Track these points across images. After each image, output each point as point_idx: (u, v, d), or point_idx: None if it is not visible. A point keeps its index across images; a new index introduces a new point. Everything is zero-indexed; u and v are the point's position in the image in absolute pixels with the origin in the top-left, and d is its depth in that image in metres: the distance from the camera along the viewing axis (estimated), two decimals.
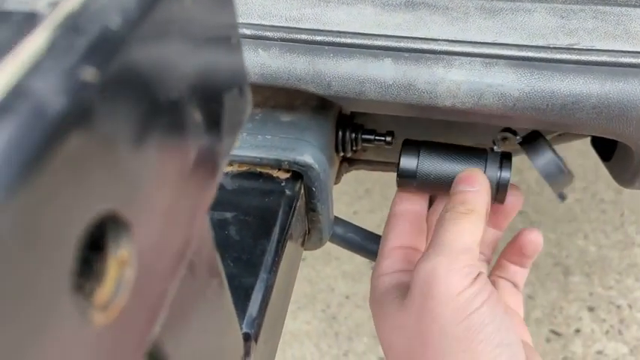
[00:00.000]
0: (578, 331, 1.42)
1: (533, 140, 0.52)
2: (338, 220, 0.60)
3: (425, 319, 0.41)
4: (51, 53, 0.15)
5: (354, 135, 0.59)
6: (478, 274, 0.42)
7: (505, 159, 0.52)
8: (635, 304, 1.44)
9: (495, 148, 0.54)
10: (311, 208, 0.52)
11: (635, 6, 0.48)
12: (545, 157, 0.50)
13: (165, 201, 0.20)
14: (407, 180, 0.53)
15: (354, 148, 0.59)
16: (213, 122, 0.24)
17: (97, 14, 0.16)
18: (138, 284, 0.19)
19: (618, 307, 1.44)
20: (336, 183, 0.66)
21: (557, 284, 1.50)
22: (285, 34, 0.47)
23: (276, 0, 0.51)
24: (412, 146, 0.53)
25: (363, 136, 0.59)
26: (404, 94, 0.46)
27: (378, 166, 0.69)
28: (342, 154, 0.60)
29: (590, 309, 1.44)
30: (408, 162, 0.52)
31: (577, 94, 0.43)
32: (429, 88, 0.45)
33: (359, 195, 1.73)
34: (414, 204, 0.54)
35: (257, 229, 0.46)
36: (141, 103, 0.18)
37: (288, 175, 0.50)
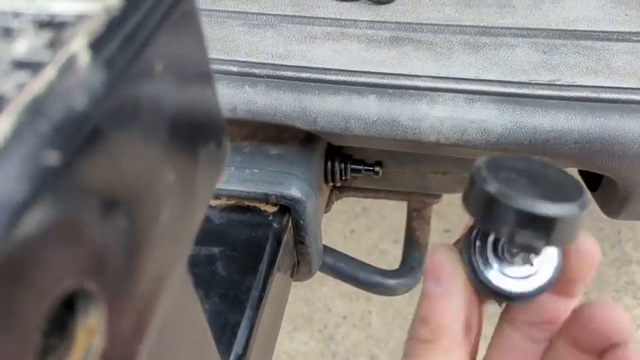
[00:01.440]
0: None
1: None
2: (327, 250, 0.61)
3: None
4: (15, 139, 0.15)
5: (342, 165, 0.59)
6: None
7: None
8: (634, 322, 1.44)
9: None
10: (299, 241, 0.53)
11: (617, 40, 0.49)
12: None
13: (137, 266, 0.20)
14: None
15: (343, 178, 0.60)
16: (188, 179, 0.25)
17: (62, 95, 0.16)
18: (107, 352, 0.19)
19: None
20: (326, 211, 0.66)
21: None
22: (271, 71, 0.48)
23: (262, 37, 0.51)
24: None
25: (352, 166, 0.59)
26: (388, 130, 0.46)
27: (368, 193, 0.69)
28: (331, 183, 0.60)
29: None
30: None
31: (559, 130, 0.44)
32: (412, 124, 0.45)
33: (356, 213, 1.73)
34: None
35: (244, 264, 0.47)
36: (110, 176, 0.18)
37: (275, 209, 0.51)
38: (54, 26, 0.19)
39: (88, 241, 0.18)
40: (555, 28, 0.51)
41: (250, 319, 0.43)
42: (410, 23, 0.52)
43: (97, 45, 0.18)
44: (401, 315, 1.51)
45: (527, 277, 0.29)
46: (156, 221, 0.22)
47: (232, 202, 0.51)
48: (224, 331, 0.43)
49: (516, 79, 0.46)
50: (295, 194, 0.50)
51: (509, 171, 0.28)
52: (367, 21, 0.53)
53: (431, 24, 0.52)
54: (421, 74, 0.46)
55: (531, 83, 0.45)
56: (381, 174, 0.58)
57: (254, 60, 0.49)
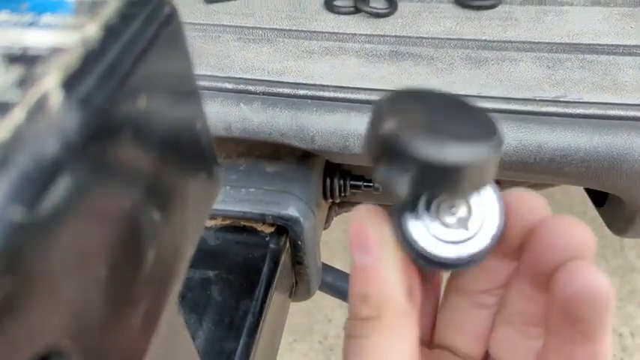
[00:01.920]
0: None
1: None
2: (327, 268, 0.59)
3: None
4: None
5: (342, 181, 0.58)
6: None
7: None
8: (637, 331, 1.42)
9: None
10: (297, 261, 0.51)
11: (622, 54, 0.47)
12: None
13: (117, 321, 0.19)
14: None
15: (342, 194, 0.58)
16: (177, 215, 0.23)
17: (30, 141, 0.15)
18: None
19: (620, 334, 1.42)
20: (325, 228, 0.65)
21: None
22: (267, 88, 0.46)
23: (258, 52, 0.50)
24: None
25: (351, 182, 0.58)
26: None
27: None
28: (330, 200, 0.59)
29: None
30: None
31: (565, 148, 0.42)
32: None
33: None
34: None
35: (240, 287, 0.45)
36: (85, 226, 0.17)
37: (272, 229, 0.49)
38: (25, 61, 0.17)
39: (61, 301, 0.16)
40: (559, 41, 0.49)
41: (247, 345, 0.42)
42: (410, 37, 0.51)
43: (71, 82, 0.17)
44: None
45: (462, 241, 0.25)
46: (140, 266, 0.21)
47: (228, 222, 0.50)
48: (219, 358, 0.41)
49: (520, 96, 0.44)
50: (293, 214, 0.48)
51: (417, 108, 0.24)
52: (366, 35, 0.51)
53: (431, 38, 0.50)
54: None
55: (536, 100, 0.44)
56: (380, 190, 0.56)
57: (249, 76, 0.47)
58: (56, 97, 0.16)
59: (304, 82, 0.46)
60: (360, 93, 0.46)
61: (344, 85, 0.46)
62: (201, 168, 0.25)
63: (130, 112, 0.19)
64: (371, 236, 0.25)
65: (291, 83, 0.46)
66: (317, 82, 0.46)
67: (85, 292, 0.17)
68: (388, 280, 0.26)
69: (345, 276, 0.59)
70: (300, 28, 0.53)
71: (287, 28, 0.53)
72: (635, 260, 1.61)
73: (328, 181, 0.57)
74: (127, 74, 0.18)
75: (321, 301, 1.52)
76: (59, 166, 0.15)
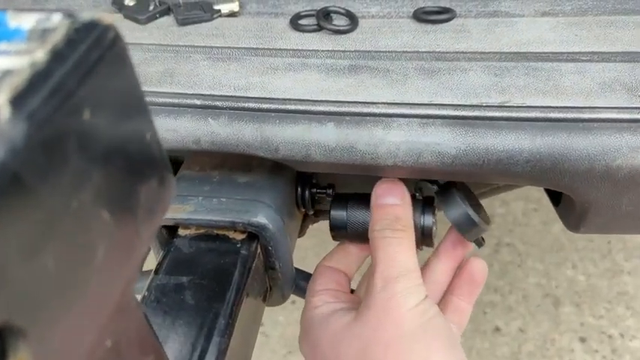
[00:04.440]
0: None
1: (446, 192, 0.54)
2: (302, 273, 0.62)
3: (386, 326, 0.47)
4: None
5: (314, 190, 0.61)
6: (426, 296, 0.49)
7: (427, 205, 0.56)
8: (627, 332, 1.44)
9: (417, 195, 0.57)
10: (270, 266, 0.54)
11: (566, 60, 0.51)
12: (457, 210, 0.52)
13: (68, 302, 0.22)
14: (340, 232, 0.58)
15: (313, 205, 0.61)
16: (128, 217, 0.26)
17: None
18: None
19: (610, 336, 1.44)
20: (300, 236, 0.67)
21: (548, 316, 1.50)
22: (233, 103, 0.50)
23: (226, 70, 0.53)
24: (341, 200, 0.58)
25: (319, 193, 0.61)
26: (347, 156, 0.48)
27: None
28: (303, 209, 0.62)
29: (582, 340, 1.44)
30: (338, 214, 0.57)
31: (510, 150, 0.45)
32: (369, 149, 0.47)
33: None
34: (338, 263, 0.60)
35: (212, 291, 0.48)
36: (33, 220, 0.19)
37: (243, 236, 0.52)
38: None
39: (13, 280, 0.19)
40: (507, 51, 0.52)
41: (218, 344, 0.44)
42: (368, 51, 0.54)
43: (18, 99, 0.20)
44: None
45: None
46: (90, 260, 0.23)
47: (202, 231, 0.52)
48: (192, 357, 0.44)
49: (468, 102, 0.47)
50: (262, 221, 0.51)
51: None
52: (327, 51, 0.55)
53: (388, 51, 0.54)
54: (377, 101, 0.48)
55: (482, 106, 0.47)
56: (332, 195, 0.60)
57: (217, 93, 0.50)
58: (4, 112, 0.19)
59: (268, 96, 0.50)
60: (320, 105, 0.49)
61: (305, 98, 0.49)
62: (152, 174, 0.28)
63: (74, 124, 0.22)
64: (401, 187, 0.54)
65: (256, 98, 0.50)
66: (280, 97, 0.50)
67: (34, 277, 0.20)
68: (409, 213, 0.53)
69: None
70: (265, 47, 0.56)
71: (254, 46, 0.56)
72: (623, 262, 1.63)
73: (300, 191, 0.60)
74: (71, 91, 0.22)
75: None
76: (5, 168, 0.18)
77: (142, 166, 0.27)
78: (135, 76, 0.26)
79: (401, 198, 0.53)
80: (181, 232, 0.53)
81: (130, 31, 0.60)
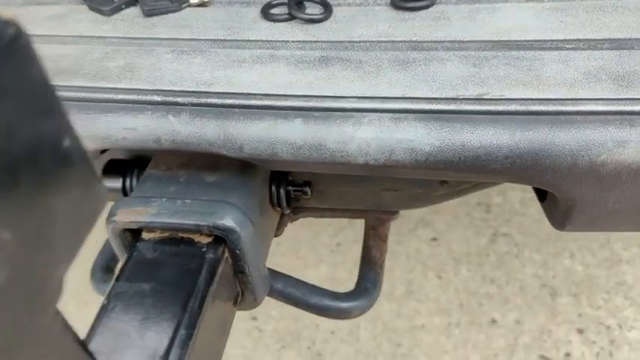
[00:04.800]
0: (568, 355, 1.39)
1: None
2: (277, 275, 0.59)
3: None
4: None
5: (290, 188, 0.58)
6: None
7: None
8: (625, 323, 1.41)
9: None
10: (239, 270, 0.51)
11: (549, 49, 0.47)
12: None
13: None
14: None
15: (290, 205, 0.58)
16: (38, 235, 0.23)
17: None
18: None
19: (608, 327, 1.41)
20: (277, 235, 0.65)
21: (545, 307, 1.47)
22: (195, 99, 0.47)
23: (190, 63, 0.50)
24: None
25: (294, 191, 0.58)
26: (316, 154, 0.45)
27: (325, 213, 0.68)
28: (278, 208, 0.59)
29: (580, 331, 1.41)
30: None
31: (488, 146, 0.42)
32: (339, 147, 0.44)
33: (342, 226, 1.71)
34: None
35: (174, 300, 0.45)
36: None
37: (210, 240, 0.49)
38: None
39: None
40: (488, 39, 0.49)
41: (178, 356, 0.42)
42: (341, 42, 0.51)
43: None
44: (389, 328, 1.49)
45: None
46: None
47: (166, 234, 0.50)
48: None
49: (444, 95, 0.44)
50: (228, 224, 0.49)
51: None
52: (299, 41, 0.52)
53: (362, 41, 0.51)
54: (347, 95, 0.45)
55: (459, 99, 0.44)
56: (309, 194, 0.57)
57: (178, 88, 0.47)
58: None
59: (232, 91, 0.47)
60: (286, 100, 0.46)
61: (271, 93, 0.46)
62: (74, 186, 0.25)
63: None
64: None
65: (218, 93, 0.47)
66: (244, 91, 0.47)
67: None
68: None
69: (295, 282, 0.59)
70: (234, 38, 0.53)
71: (221, 38, 0.53)
72: (622, 252, 1.61)
73: (274, 189, 0.57)
74: None
75: None
76: None
77: (59, 176, 0.25)
78: (44, 74, 0.23)
79: None
80: (145, 235, 0.50)
81: (93, 24, 0.57)
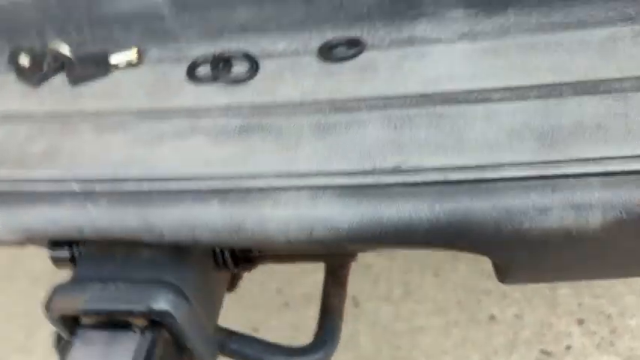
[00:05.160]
0: (569, 347, 1.38)
1: None
2: (231, 335, 0.59)
3: None
4: None
5: (234, 250, 0.57)
6: None
7: None
8: (626, 311, 1.39)
9: None
10: (180, 346, 0.50)
11: (475, 102, 0.45)
12: None
13: None
14: None
15: (238, 265, 0.57)
16: None
17: None
18: None
19: (608, 316, 1.39)
20: (231, 290, 0.64)
21: (545, 300, 1.45)
22: (112, 187, 0.46)
23: (109, 143, 0.49)
24: None
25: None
26: (236, 236, 0.44)
27: (283, 259, 0.66)
28: (225, 269, 0.58)
29: (580, 322, 1.39)
30: None
31: (407, 220, 0.41)
32: (258, 228, 0.43)
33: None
34: None
35: None
36: None
37: (146, 322, 0.48)
38: None
39: None
40: (413, 93, 0.47)
41: None
42: (264, 106, 0.49)
43: None
44: (389, 331, 1.49)
45: None
46: None
47: (101, 318, 0.49)
48: None
49: (361, 168, 0.42)
50: (161, 307, 0.48)
51: None
52: (222, 108, 0.50)
53: (285, 104, 0.49)
54: (264, 173, 0.44)
55: (376, 171, 0.42)
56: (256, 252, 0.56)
57: (95, 176, 0.46)
58: None
59: (148, 175, 0.45)
60: (204, 182, 0.44)
61: (188, 176, 0.45)
62: None
63: None
64: None
65: (136, 179, 0.46)
66: (161, 174, 0.45)
67: None
68: None
69: (250, 341, 0.58)
70: (158, 106, 0.51)
71: (146, 107, 0.51)
72: None
73: (218, 251, 0.56)
74: None
75: (307, 312, 1.52)
76: None
77: None
78: None
79: None
80: (84, 320, 0.50)
81: (20, 97, 0.56)
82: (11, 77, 0.59)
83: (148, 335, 0.48)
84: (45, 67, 0.58)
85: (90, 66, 0.57)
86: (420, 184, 0.41)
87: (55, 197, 0.46)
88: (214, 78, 0.53)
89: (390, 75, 0.49)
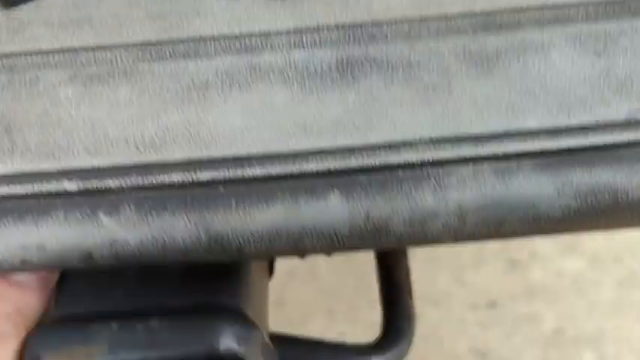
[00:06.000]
0: (534, 254, 1.38)
1: None
2: (286, 345, 0.43)
3: None
4: None
5: None
6: None
7: None
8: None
9: None
10: None
11: None
12: None
13: None
14: None
15: None
16: None
17: None
18: None
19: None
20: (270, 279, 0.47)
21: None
22: (140, 179, 0.26)
23: (113, 103, 0.28)
24: None
25: None
26: (372, 242, 0.27)
27: None
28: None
29: None
30: None
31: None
32: (410, 224, 0.26)
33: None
34: None
35: None
36: None
37: None
38: None
39: None
40: None
41: None
42: (365, 24, 0.31)
43: None
44: (351, 258, 1.40)
45: None
46: None
47: None
48: None
49: (564, 123, 0.27)
50: (229, 347, 0.31)
51: None
52: (287, 31, 0.31)
53: (401, 20, 0.30)
54: (412, 138, 0.27)
55: (594, 126, 0.27)
56: None
57: (103, 162, 0.26)
58: None
59: (204, 155, 0.26)
60: (307, 161, 0.26)
61: (276, 151, 0.27)
62: None
63: None
64: None
65: (182, 163, 0.26)
66: (229, 154, 0.27)
67: None
68: None
69: (307, 348, 0.44)
70: (174, 36, 0.31)
71: (153, 39, 0.30)
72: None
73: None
74: None
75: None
76: None
77: None
78: None
79: None
80: None
81: None
82: None
83: None
84: None
85: None
86: None
87: (36, 205, 0.26)
88: None
89: None
